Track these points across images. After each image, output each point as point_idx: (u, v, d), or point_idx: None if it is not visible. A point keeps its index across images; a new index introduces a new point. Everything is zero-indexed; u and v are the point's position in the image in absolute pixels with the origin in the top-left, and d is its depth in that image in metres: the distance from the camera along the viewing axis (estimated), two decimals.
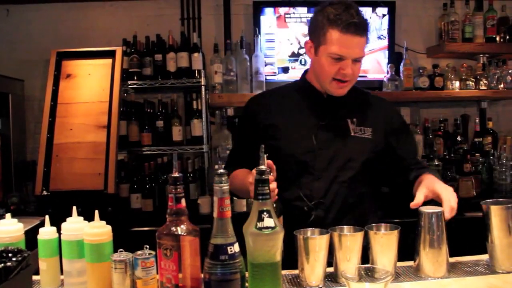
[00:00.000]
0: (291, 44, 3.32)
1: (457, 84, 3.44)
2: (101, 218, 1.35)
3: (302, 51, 3.32)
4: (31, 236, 1.43)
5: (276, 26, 3.31)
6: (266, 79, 3.26)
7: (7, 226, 1.37)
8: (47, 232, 1.37)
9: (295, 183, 1.73)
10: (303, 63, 3.33)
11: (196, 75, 3.23)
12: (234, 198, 2.90)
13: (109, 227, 1.33)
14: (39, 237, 1.37)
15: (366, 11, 3.01)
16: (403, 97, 3.34)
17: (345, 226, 1.44)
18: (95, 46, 3.25)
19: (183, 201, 1.20)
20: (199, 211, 3.06)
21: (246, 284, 1.19)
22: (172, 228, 1.18)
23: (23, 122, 3.48)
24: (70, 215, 1.39)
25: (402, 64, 3.41)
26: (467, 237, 1.44)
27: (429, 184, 1.56)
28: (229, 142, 3.20)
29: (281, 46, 3.33)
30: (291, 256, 1.40)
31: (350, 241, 1.39)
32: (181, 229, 1.18)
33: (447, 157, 3.35)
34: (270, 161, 1.46)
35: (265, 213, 1.18)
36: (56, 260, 1.39)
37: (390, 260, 1.40)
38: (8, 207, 2.91)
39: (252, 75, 3.24)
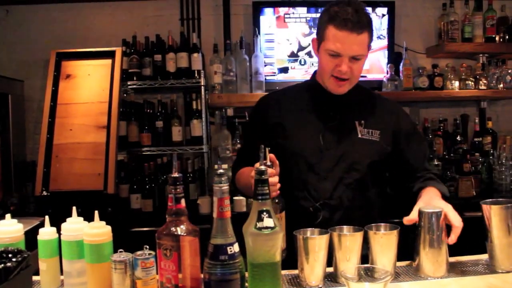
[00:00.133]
0: (291, 44, 3.32)
1: (456, 84, 3.44)
2: (101, 219, 1.35)
3: (301, 51, 3.32)
4: (31, 236, 1.43)
5: (275, 26, 3.31)
6: (265, 79, 3.27)
7: (7, 227, 1.36)
8: (47, 233, 1.37)
9: (301, 183, 1.73)
10: (302, 63, 3.34)
11: (196, 75, 3.23)
12: (234, 198, 2.91)
13: (109, 228, 1.33)
14: (39, 237, 1.37)
15: None
16: (403, 97, 3.34)
17: (344, 226, 1.44)
18: (95, 46, 3.26)
19: (182, 201, 1.20)
20: (199, 211, 3.06)
21: (246, 284, 1.19)
22: (172, 228, 1.18)
23: (22, 123, 3.48)
24: (70, 215, 1.39)
25: (401, 64, 3.41)
26: (467, 236, 1.43)
27: (428, 201, 1.55)
28: (228, 142, 3.21)
29: (281, 46, 3.33)
30: (291, 256, 1.40)
31: (349, 241, 1.39)
32: (180, 229, 1.18)
33: (446, 157, 3.35)
34: (272, 155, 1.47)
35: (264, 213, 1.18)
36: (56, 261, 1.39)
37: (389, 260, 1.40)
38: (8, 208, 2.91)
39: (252, 75, 3.24)
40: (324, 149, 1.72)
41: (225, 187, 1.14)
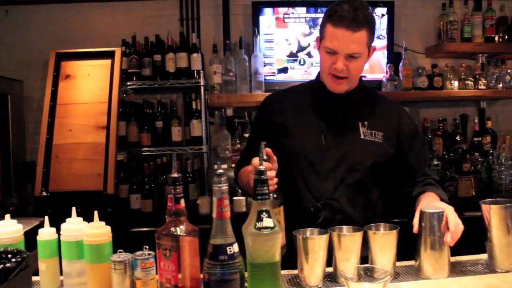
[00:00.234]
0: (290, 44, 3.32)
1: (456, 83, 3.44)
2: (101, 219, 1.35)
3: (301, 51, 3.32)
4: (30, 237, 1.43)
5: (275, 26, 3.31)
6: (265, 79, 3.27)
7: (7, 227, 1.36)
8: (46, 233, 1.37)
9: (303, 182, 1.73)
10: (302, 63, 3.34)
11: (195, 75, 3.23)
12: (233, 198, 2.91)
13: (108, 228, 1.33)
14: (38, 238, 1.37)
15: None
16: (402, 97, 3.34)
17: (344, 226, 1.44)
18: (94, 46, 3.26)
19: (182, 202, 1.20)
20: (199, 212, 3.06)
21: (246, 284, 1.19)
22: (171, 229, 1.18)
23: (22, 123, 3.48)
24: (69, 216, 1.39)
25: (401, 64, 3.41)
26: (466, 236, 1.43)
27: (428, 204, 1.55)
28: (228, 143, 3.21)
29: (280, 46, 3.33)
30: (291, 256, 1.40)
31: (349, 241, 1.39)
32: (180, 230, 1.18)
33: (446, 156, 3.35)
34: (268, 149, 1.47)
35: (264, 213, 1.18)
36: (56, 261, 1.39)
37: (389, 260, 1.40)
38: (8, 208, 2.91)
39: (251, 75, 3.24)
40: (325, 149, 1.72)
41: (225, 187, 1.14)
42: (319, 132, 1.74)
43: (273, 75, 3.33)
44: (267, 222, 1.17)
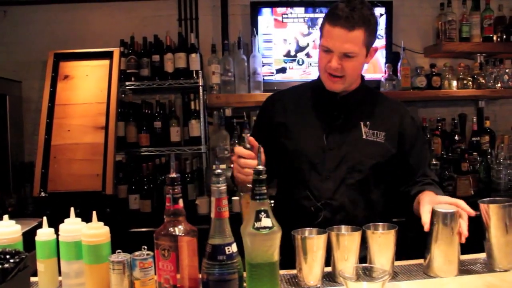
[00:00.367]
0: (289, 44, 3.32)
1: (454, 83, 3.45)
2: (99, 219, 1.35)
3: (300, 52, 3.32)
4: (29, 237, 1.43)
5: (273, 26, 3.31)
6: (263, 79, 3.27)
7: (5, 228, 1.36)
8: (44, 234, 1.37)
9: (304, 182, 1.72)
10: (300, 63, 3.34)
11: (194, 75, 3.23)
12: (232, 198, 2.90)
13: (107, 228, 1.33)
14: (36, 238, 1.37)
15: None
16: (401, 96, 3.33)
17: (342, 226, 1.44)
18: (93, 47, 3.26)
19: (180, 202, 1.20)
20: (198, 212, 3.06)
21: (244, 284, 1.19)
22: (169, 229, 1.18)
23: (20, 124, 3.48)
24: (68, 216, 1.39)
25: (399, 63, 3.41)
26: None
27: (432, 200, 1.54)
28: (227, 143, 3.21)
29: (279, 46, 3.33)
30: (290, 256, 1.40)
31: (347, 240, 1.39)
32: (178, 230, 1.18)
33: (445, 156, 3.36)
34: (251, 138, 1.47)
35: (262, 213, 1.18)
36: (54, 262, 1.38)
37: (388, 260, 1.40)
38: (6, 209, 2.91)
39: (250, 75, 3.24)
40: (327, 149, 1.72)
41: (223, 187, 1.14)
42: (321, 132, 1.74)
43: (272, 75, 3.33)
44: (266, 222, 1.17)
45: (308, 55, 3.32)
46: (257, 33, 3.27)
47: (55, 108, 3.04)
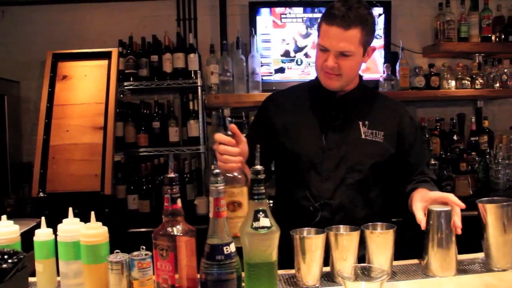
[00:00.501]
0: (287, 44, 3.32)
1: (453, 83, 3.45)
2: (98, 220, 1.35)
3: (299, 52, 3.32)
4: (27, 238, 1.43)
5: (272, 26, 3.31)
6: (262, 79, 3.27)
7: (3, 228, 1.36)
8: (43, 234, 1.37)
9: (303, 182, 1.73)
10: (299, 63, 3.34)
11: (192, 75, 3.23)
12: None
13: (105, 228, 1.33)
14: (35, 238, 1.37)
15: None
16: (399, 96, 3.33)
17: (341, 226, 1.44)
18: (91, 47, 3.25)
19: (179, 202, 1.20)
20: (196, 212, 3.06)
21: (243, 284, 1.19)
22: (168, 229, 1.18)
23: (19, 124, 3.47)
24: (66, 216, 1.39)
25: (398, 63, 3.41)
26: (463, 235, 1.44)
27: (423, 196, 1.55)
28: None
29: (277, 46, 3.33)
30: (288, 255, 1.40)
31: (346, 240, 1.39)
32: (177, 230, 1.18)
33: (443, 156, 3.36)
34: (234, 126, 1.44)
35: (261, 213, 1.18)
36: (53, 262, 1.38)
37: (386, 259, 1.40)
38: (5, 209, 2.90)
39: (248, 75, 3.24)
40: (326, 149, 1.72)
41: (221, 187, 1.14)
42: (320, 132, 1.74)
43: (270, 75, 3.33)
44: (264, 221, 1.17)
45: (306, 55, 3.32)
46: (255, 33, 3.27)
47: (54, 109, 3.04)
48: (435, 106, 3.71)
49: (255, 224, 1.17)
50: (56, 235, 1.37)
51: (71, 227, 1.34)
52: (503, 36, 3.48)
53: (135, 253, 1.27)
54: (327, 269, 1.43)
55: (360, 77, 1.83)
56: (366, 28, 1.65)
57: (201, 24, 3.57)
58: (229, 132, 1.43)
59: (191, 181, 3.24)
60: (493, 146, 3.47)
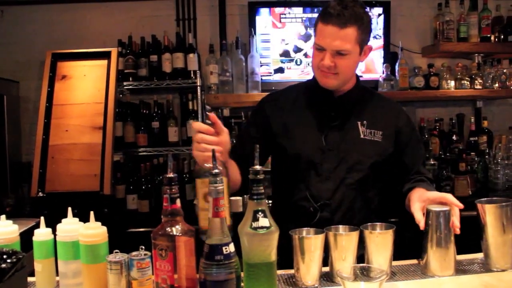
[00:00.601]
0: (287, 44, 3.32)
1: (452, 83, 3.45)
2: (97, 219, 1.35)
3: (299, 52, 3.32)
4: (26, 237, 1.43)
5: (271, 26, 3.31)
6: (261, 79, 3.27)
7: (2, 228, 1.36)
8: (42, 234, 1.37)
9: (303, 183, 1.73)
10: (298, 63, 3.34)
11: (192, 75, 3.22)
12: (230, 198, 2.90)
13: (104, 228, 1.33)
14: (34, 238, 1.37)
15: None
16: (399, 96, 3.34)
17: (340, 226, 1.44)
18: (91, 47, 3.25)
19: (178, 202, 1.20)
20: (195, 212, 3.05)
21: (242, 284, 1.19)
22: (167, 229, 1.18)
23: (18, 124, 3.47)
24: (66, 216, 1.39)
25: (397, 63, 3.42)
26: (462, 235, 1.44)
27: (421, 196, 1.55)
28: None
29: (277, 46, 3.33)
30: (287, 255, 1.40)
31: (345, 240, 1.39)
32: (176, 230, 1.18)
33: (442, 156, 3.36)
34: (213, 115, 1.42)
35: (260, 213, 1.18)
36: (52, 262, 1.38)
37: (385, 260, 1.40)
38: (4, 209, 2.90)
39: (248, 75, 3.24)
40: (326, 150, 1.72)
41: (220, 187, 1.14)
42: (319, 133, 1.74)
43: (270, 75, 3.33)
44: (263, 222, 1.17)
45: (306, 55, 3.32)
46: (255, 33, 3.27)
47: (53, 108, 3.04)
48: (434, 106, 3.71)
49: (254, 224, 1.17)
50: (55, 235, 1.37)
51: (70, 227, 1.34)
52: (502, 36, 3.49)
53: (134, 253, 1.27)
54: (326, 269, 1.43)
55: (357, 77, 1.83)
56: (362, 27, 1.66)
57: (200, 24, 3.57)
58: (208, 121, 1.39)
59: (190, 181, 3.24)
60: (492, 146, 3.48)
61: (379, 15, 3.39)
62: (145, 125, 3.28)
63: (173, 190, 1.19)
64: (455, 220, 1.42)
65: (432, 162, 3.23)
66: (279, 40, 3.32)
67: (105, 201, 2.84)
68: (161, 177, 3.22)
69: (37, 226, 1.41)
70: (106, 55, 3.14)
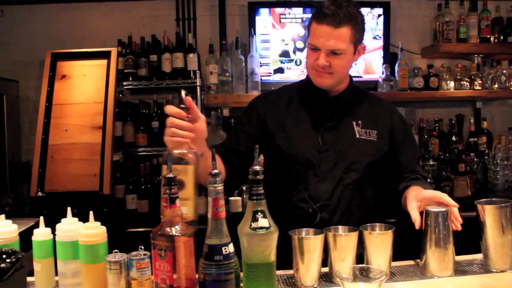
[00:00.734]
0: (286, 44, 3.32)
1: (451, 84, 3.45)
2: (97, 219, 1.35)
3: (299, 52, 3.33)
4: (25, 237, 1.43)
5: (271, 26, 3.32)
6: (261, 79, 3.27)
7: (2, 228, 1.36)
8: (41, 233, 1.37)
9: (301, 184, 1.72)
10: (298, 63, 3.34)
11: (192, 75, 3.22)
12: (229, 198, 2.91)
13: (103, 228, 1.33)
14: (33, 238, 1.37)
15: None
16: (398, 97, 3.35)
17: (339, 226, 1.45)
18: (90, 47, 3.25)
19: (177, 202, 1.20)
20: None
21: (241, 284, 1.19)
22: (166, 229, 1.18)
23: (18, 123, 3.47)
24: (65, 216, 1.39)
25: (397, 64, 3.42)
26: (462, 236, 1.44)
27: (417, 195, 1.55)
28: None
29: (276, 46, 3.33)
30: (286, 256, 1.40)
31: (344, 241, 1.39)
32: (175, 230, 1.17)
33: (442, 157, 3.36)
34: (189, 99, 1.38)
35: (259, 213, 1.18)
36: (51, 261, 1.38)
37: (384, 260, 1.40)
38: (3, 208, 2.90)
39: (248, 75, 3.24)
40: (323, 150, 1.72)
41: (220, 187, 1.14)
42: (316, 133, 1.74)
43: (269, 76, 3.34)
44: (263, 222, 1.17)
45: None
46: (255, 33, 3.27)
47: (53, 108, 3.04)
48: (434, 107, 3.71)
49: (254, 225, 1.17)
50: (54, 234, 1.37)
51: (70, 227, 1.34)
52: (502, 37, 3.49)
53: (134, 253, 1.27)
54: (326, 269, 1.43)
55: (351, 77, 1.83)
56: (356, 26, 1.66)
57: (200, 24, 3.57)
58: (182, 105, 1.35)
59: None
60: (491, 147, 3.48)
61: (379, 15, 3.39)
62: (145, 125, 3.27)
63: (173, 190, 1.19)
64: (457, 216, 1.43)
65: (432, 163, 3.24)
66: (279, 41, 3.32)
67: (105, 201, 2.84)
68: (160, 177, 3.22)
69: (36, 225, 1.41)
70: (106, 55, 3.14)
